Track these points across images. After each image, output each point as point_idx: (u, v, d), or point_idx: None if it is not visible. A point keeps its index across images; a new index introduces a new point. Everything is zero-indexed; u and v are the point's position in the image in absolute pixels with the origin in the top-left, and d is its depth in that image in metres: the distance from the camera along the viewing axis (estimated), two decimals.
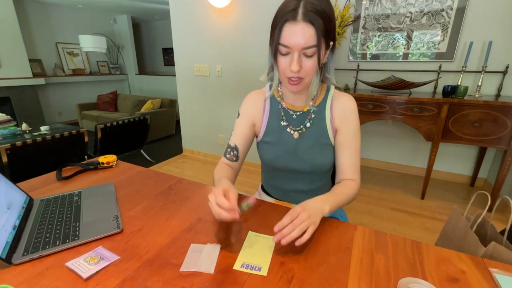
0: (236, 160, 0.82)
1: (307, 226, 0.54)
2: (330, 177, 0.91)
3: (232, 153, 0.82)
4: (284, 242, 0.52)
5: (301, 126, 0.77)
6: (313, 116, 0.76)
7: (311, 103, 0.76)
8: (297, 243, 0.52)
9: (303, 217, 0.54)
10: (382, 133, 2.61)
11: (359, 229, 0.64)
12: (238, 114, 0.83)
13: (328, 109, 0.76)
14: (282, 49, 0.63)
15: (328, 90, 0.78)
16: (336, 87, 0.79)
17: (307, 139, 0.77)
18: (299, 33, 0.60)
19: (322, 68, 0.71)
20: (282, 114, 0.78)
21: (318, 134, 0.76)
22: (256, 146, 0.87)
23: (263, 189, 0.95)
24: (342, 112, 0.76)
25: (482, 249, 0.64)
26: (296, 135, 0.77)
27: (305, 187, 0.83)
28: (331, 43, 0.67)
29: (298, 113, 0.77)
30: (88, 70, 5.28)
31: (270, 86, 0.80)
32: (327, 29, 0.62)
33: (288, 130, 0.78)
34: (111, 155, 1.00)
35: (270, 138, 0.80)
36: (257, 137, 0.85)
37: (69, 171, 0.93)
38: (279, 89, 0.80)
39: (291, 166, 0.79)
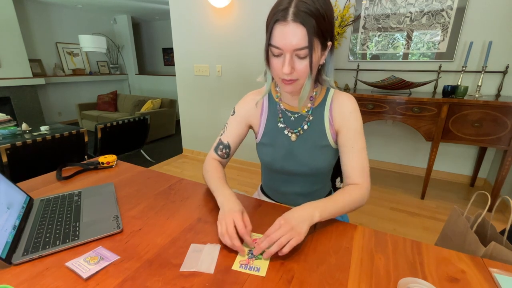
0: (226, 158, 0.84)
1: (288, 239, 0.53)
2: (329, 179, 0.91)
3: (224, 151, 0.82)
4: (265, 256, 0.53)
5: (299, 128, 0.75)
6: (311, 118, 0.75)
7: (309, 105, 0.74)
8: (280, 253, 0.53)
9: (282, 231, 0.54)
10: (382, 133, 2.61)
11: (359, 229, 0.64)
12: (234, 112, 0.82)
13: (327, 110, 0.74)
14: (274, 50, 0.61)
15: (328, 90, 0.76)
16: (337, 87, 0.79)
17: (305, 141, 0.76)
18: (290, 34, 0.57)
19: (319, 69, 0.69)
20: (280, 115, 0.77)
21: (316, 136, 0.75)
22: (256, 147, 0.86)
23: (262, 190, 0.95)
24: (341, 112, 0.73)
25: (482, 249, 0.64)
26: (293, 137, 0.76)
27: (304, 190, 0.83)
28: (329, 43, 0.64)
29: (296, 115, 0.76)
30: (88, 70, 5.28)
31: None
32: (322, 29, 0.58)
33: (286, 132, 0.77)
34: (111, 155, 1.00)
35: (268, 140, 0.79)
36: (256, 138, 0.84)
37: (69, 171, 0.93)
38: (277, 89, 0.78)
39: (288, 168, 0.78)
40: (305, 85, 0.65)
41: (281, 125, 0.77)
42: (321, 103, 0.75)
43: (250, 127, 0.84)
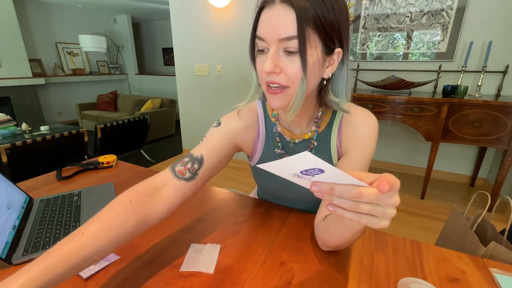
0: (191, 178, 0.53)
1: (378, 213, 0.31)
2: None
3: (190, 165, 0.54)
4: (330, 208, 0.34)
5: None
6: (315, 144, 0.61)
7: (313, 128, 0.60)
8: (343, 216, 0.33)
9: (384, 199, 0.30)
10: (382, 133, 2.61)
11: None
12: (219, 123, 0.62)
13: (334, 134, 0.60)
14: (258, 42, 0.47)
15: (335, 110, 0.61)
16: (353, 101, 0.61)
17: None
18: (274, 19, 0.43)
19: (324, 86, 0.52)
20: (277, 139, 0.63)
21: None
22: (251, 168, 0.74)
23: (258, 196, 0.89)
24: (353, 136, 0.59)
25: (482, 249, 0.64)
26: None
27: (306, 208, 0.75)
28: (338, 50, 0.47)
29: (296, 141, 0.62)
30: (88, 70, 5.28)
31: (263, 103, 0.64)
32: (322, 21, 0.43)
33: None
34: (111, 155, 1.00)
35: None
36: (249, 159, 0.70)
37: (69, 171, 0.93)
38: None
39: (290, 197, 0.71)
40: (297, 93, 0.47)
41: (278, 151, 0.63)
42: (328, 125, 0.61)
43: (239, 149, 0.65)
